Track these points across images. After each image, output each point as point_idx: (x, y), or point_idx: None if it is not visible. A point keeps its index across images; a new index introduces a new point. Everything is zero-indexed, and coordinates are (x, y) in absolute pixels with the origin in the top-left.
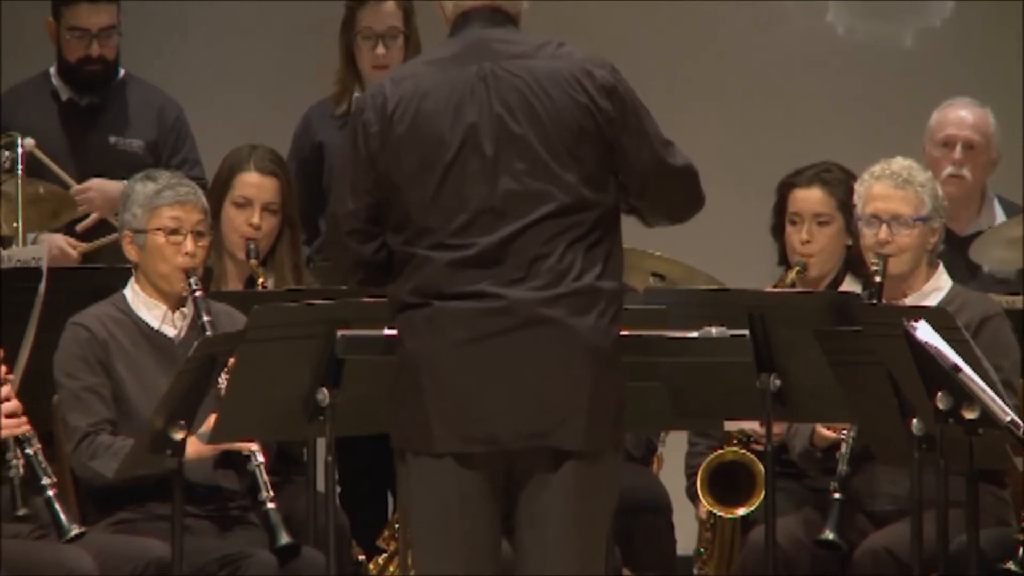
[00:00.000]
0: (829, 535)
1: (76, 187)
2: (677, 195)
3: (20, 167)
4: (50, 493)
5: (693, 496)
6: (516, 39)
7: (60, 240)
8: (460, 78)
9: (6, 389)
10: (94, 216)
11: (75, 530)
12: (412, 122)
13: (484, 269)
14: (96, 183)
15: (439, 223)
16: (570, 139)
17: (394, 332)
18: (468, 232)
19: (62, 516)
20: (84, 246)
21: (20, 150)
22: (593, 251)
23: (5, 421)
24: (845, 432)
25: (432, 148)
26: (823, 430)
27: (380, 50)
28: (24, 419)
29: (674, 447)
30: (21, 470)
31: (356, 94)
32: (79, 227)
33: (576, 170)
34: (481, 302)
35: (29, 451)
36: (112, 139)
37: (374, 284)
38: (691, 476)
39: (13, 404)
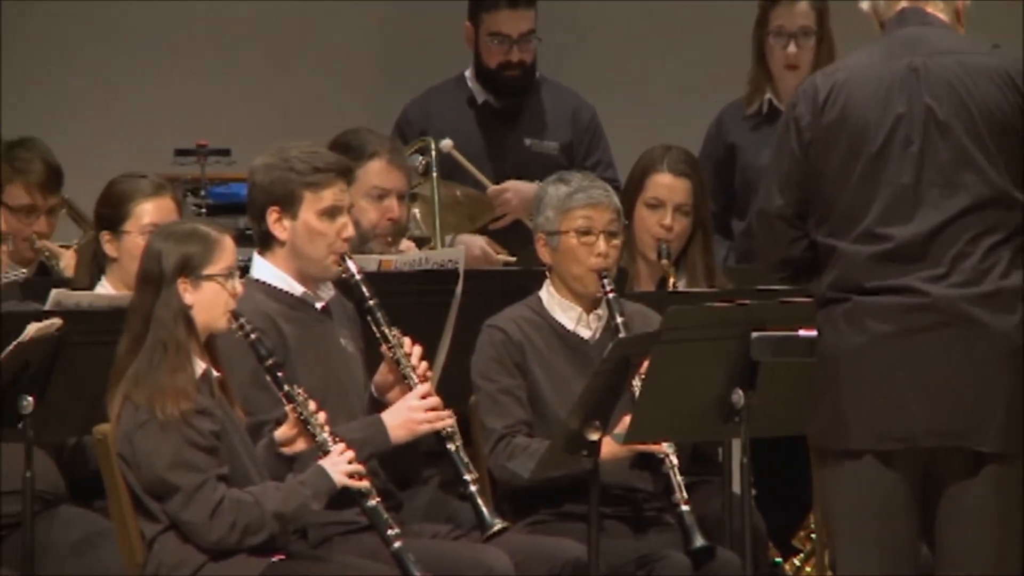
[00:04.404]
0: None
1: (493, 188)
2: None
3: (435, 171)
4: (472, 488)
5: None
6: (948, 36)
7: (481, 241)
8: (891, 69)
9: (427, 386)
10: (508, 217)
11: (498, 524)
12: (842, 110)
13: (906, 263)
14: (512, 185)
15: (862, 213)
16: (997, 134)
17: (810, 333)
18: (890, 223)
19: (484, 510)
20: (505, 254)
21: (434, 154)
22: (1021, 254)
23: (427, 415)
24: None
25: (860, 136)
26: None
27: (791, 49)
28: (446, 413)
29: None
30: (473, 485)
31: (767, 95)
32: (491, 227)
33: (1001, 165)
34: (904, 297)
35: (451, 447)
36: (528, 141)
37: (799, 282)
38: None
39: (434, 400)
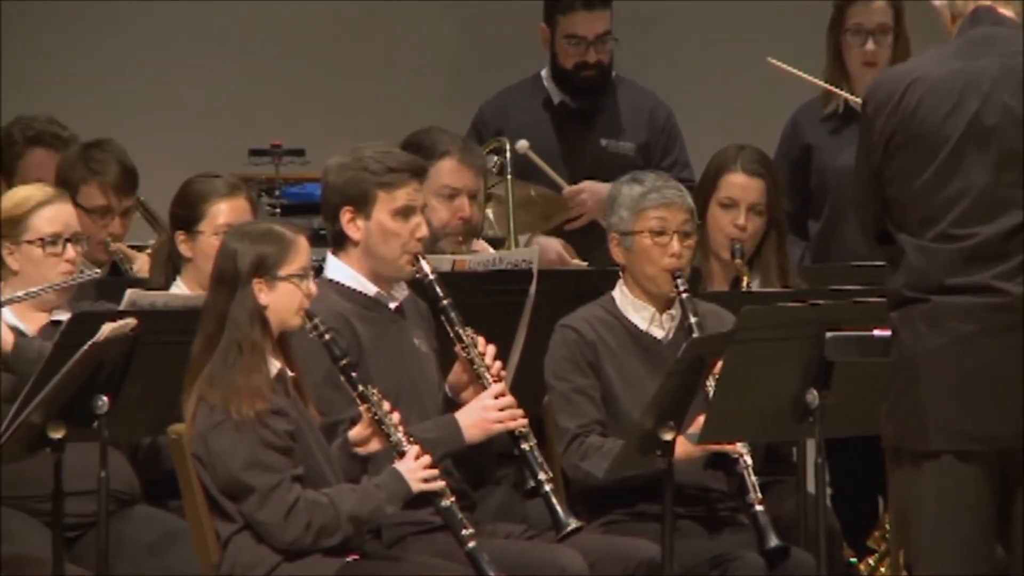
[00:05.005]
0: None
1: (568, 189)
2: None
3: (509, 171)
4: (547, 488)
5: None
6: (1021, 36)
7: (557, 245)
8: (965, 70)
9: (500, 386)
10: (584, 218)
11: (572, 523)
12: (915, 111)
13: (984, 262)
14: (588, 185)
15: (939, 212)
16: None
17: (884, 333)
18: (968, 222)
19: (559, 510)
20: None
21: (508, 155)
22: None
23: (501, 415)
24: None
25: (935, 137)
26: None
27: (870, 46)
28: (520, 412)
29: None
30: (547, 485)
31: (844, 93)
32: (567, 227)
33: None
34: (983, 297)
35: (525, 446)
36: (604, 142)
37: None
38: None
39: (508, 399)
